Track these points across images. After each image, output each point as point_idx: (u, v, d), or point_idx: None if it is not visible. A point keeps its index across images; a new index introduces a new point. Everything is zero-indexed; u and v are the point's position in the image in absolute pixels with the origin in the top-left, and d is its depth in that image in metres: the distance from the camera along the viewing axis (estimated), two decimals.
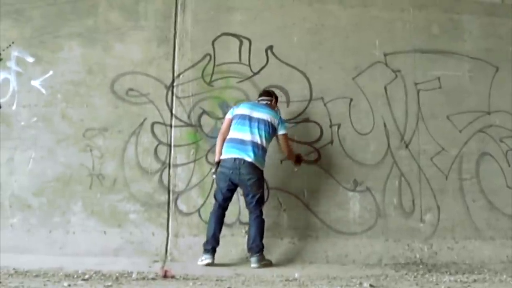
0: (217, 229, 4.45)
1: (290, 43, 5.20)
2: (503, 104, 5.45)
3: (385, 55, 5.32)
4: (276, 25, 5.21)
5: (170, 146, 4.89)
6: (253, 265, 4.42)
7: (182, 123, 4.95)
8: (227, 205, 4.56)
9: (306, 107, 5.12)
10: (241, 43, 5.12)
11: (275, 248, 4.77)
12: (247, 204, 4.55)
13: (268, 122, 4.57)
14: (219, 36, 5.11)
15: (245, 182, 4.46)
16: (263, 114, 4.58)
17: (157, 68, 4.99)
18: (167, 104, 4.94)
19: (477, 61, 5.48)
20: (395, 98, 5.29)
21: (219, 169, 4.54)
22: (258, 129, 4.53)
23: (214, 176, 4.61)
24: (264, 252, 4.50)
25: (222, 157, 4.53)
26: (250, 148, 4.47)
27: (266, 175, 4.90)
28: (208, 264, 4.34)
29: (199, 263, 4.38)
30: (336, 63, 5.23)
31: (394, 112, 5.26)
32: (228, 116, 4.63)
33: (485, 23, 5.57)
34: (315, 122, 5.12)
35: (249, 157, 4.45)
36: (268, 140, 4.60)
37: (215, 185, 4.64)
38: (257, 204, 4.51)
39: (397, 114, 5.27)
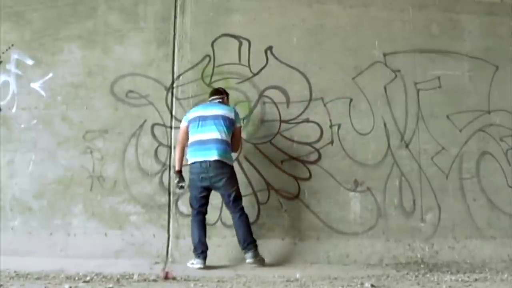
0: (202, 235, 4.40)
1: (290, 43, 5.20)
2: (503, 103, 5.45)
3: (384, 55, 5.32)
4: (276, 26, 5.21)
5: (170, 147, 4.89)
6: (249, 260, 4.37)
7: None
8: (205, 209, 4.51)
9: (306, 108, 5.12)
10: (240, 44, 5.12)
11: (276, 248, 4.77)
12: (226, 205, 4.52)
13: (224, 116, 4.49)
14: (218, 37, 5.11)
15: (217, 184, 4.39)
16: (217, 110, 4.51)
17: (156, 70, 4.99)
18: (167, 106, 4.94)
19: (476, 61, 5.48)
20: (395, 98, 5.29)
21: (189, 176, 4.47)
22: (216, 125, 4.44)
23: (179, 185, 4.50)
24: (265, 253, 4.49)
25: (188, 162, 4.46)
26: (213, 146, 4.39)
27: (266, 175, 4.92)
28: (199, 268, 4.30)
29: (189, 265, 4.36)
30: (336, 63, 5.24)
31: (394, 112, 5.26)
32: (183, 124, 4.58)
33: (484, 22, 5.57)
34: (315, 123, 5.12)
35: (214, 156, 4.36)
36: (228, 134, 4.50)
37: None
38: (235, 202, 4.44)
39: (397, 114, 5.27)
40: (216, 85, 4.95)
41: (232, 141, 4.55)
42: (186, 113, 4.63)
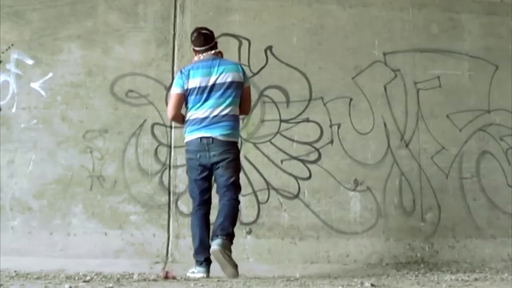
0: (205, 235, 3.74)
1: (290, 43, 5.20)
2: (503, 103, 5.45)
3: (384, 54, 5.32)
4: (275, 26, 5.21)
5: (170, 147, 4.89)
6: (214, 247, 3.54)
7: (182, 124, 4.93)
8: (209, 200, 3.83)
9: (306, 107, 5.12)
10: (240, 43, 5.12)
11: (276, 248, 4.77)
12: (220, 188, 3.78)
13: (234, 82, 3.78)
14: (218, 37, 5.05)
15: (219, 164, 3.72)
16: (228, 75, 3.77)
17: (156, 69, 4.99)
18: (167, 105, 4.93)
19: (476, 60, 5.48)
20: (395, 98, 5.29)
21: (186, 157, 3.84)
22: (225, 97, 3.75)
23: None
24: (265, 253, 4.49)
25: (186, 140, 3.83)
26: (220, 122, 3.73)
27: (266, 175, 4.91)
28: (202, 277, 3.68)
29: (189, 275, 3.79)
30: (336, 63, 5.23)
31: (394, 112, 5.26)
32: (178, 90, 3.82)
33: (484, 22, 5.57)
34: (315, 122, 5.12)
35: (220, 133, 3.71)
36: (238, 103, 3.84)
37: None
38: (233, 188, 3.78)
39: (397, 113, 5.27)
40: None
41: (241, 104, 3.89)
42: (180, 75, 3.86)
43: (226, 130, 3.75)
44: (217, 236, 3.61)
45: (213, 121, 3.73)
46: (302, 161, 5.04)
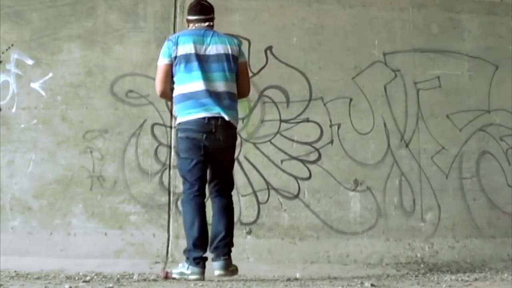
0: (205, 225, 3.26)
1: (290, 43, 5.20)
2: (503, 103, 5.45)
3: (384, 54, 5.32)
4: (275, 26, 5.21)
5: (170, 147, 4.89)
6: (219, 272, 3.28)
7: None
8: (204, 187, 3.38)
9: (306, 107, 5.12)
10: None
11: (276, 248, 4.77)
12: (217, 183, 3.40)
13: (229, 55, 3.39)
14: None
15: (220, 149, 3.33)
16: (220, 47, 3.38)
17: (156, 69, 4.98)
18: (167, 105, 4.93)
19: (476, 60, 5.48)
20: (395, 98, 5.29)
21: (182, 135, 3.34)
22: (221, 70, 3.34)
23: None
24: (265, 253, 4.50)
25: (180, 120, 3.37)
26: (219, 101, 3.30)
27: (266, 175, 4.91)
28: (197, 280, 3.26)
29: (176, 276, 3.37)
30: (336, 63, 5.23)
31: (394, 112, 5.26)
32: (164, 60, 3.38)
33: (484, 22, 5.57)
34: (315, 122, 5.12)
35: (224, 114, 3.30)
36: (235, 79, 3.43)
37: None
38: (229, 183, 3.44)
39: (397, 113, 5.27)
40: None
41: (239, 83, 3.47)
42: (167, 43, 3.45)
43: (231, 110, 3.32)
44: (220, 257, 3.28)
45: (215, 98, 3.28)
46: (302, 161, 5.04)
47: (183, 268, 3.33)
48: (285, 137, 5.05)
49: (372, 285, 3.60)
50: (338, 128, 5.15)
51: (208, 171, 3.38)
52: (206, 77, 3.29)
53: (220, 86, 3.33)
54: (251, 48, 5.11)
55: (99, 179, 4.78)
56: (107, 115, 4.87)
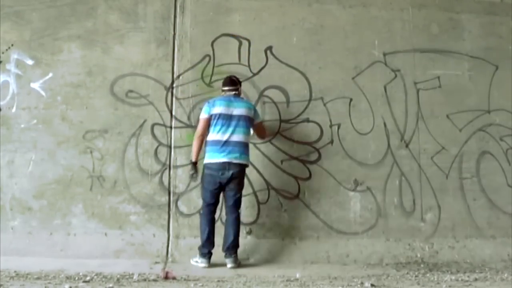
0: (212, 232, 4.49)
1: (290, 43, 5.20)
2: (503, 103, 5.45)
3: (384, 54, 5.32)
4: (275, 26, 5.21)
5: (170, 147, 4.90)
6: (231, 265, 4.43)
7: (182, 124, 4.95)
8: (216, 206, 4.60)
9: (306, 107, 5.12)
10: (240, 43, 5.12)
11: (276, 248, 4.77)
12: (227, 203, 4.58)
13: (248, 117, 4.60)
14: (218, 37, 5.11)
15: (231, 182, 4.51)
16: (242, 110, 4.59)
17: (156, 70, 4.99)
18: (167, 106, 4.94)
19: (476, 60, 5.48)
20: (395, 98, 5.29)
21: (206, 171, 4.54)
22: (240, 127, 4.55)
23: (194, 176, 4.62)
24: (265, 253, 4.50)
25: (207, 161, 4.53)
26: (237, 149, 4.50)
27: (266, 175, 4.93)
28: (204, 267, 4.40)
29: (193, 263, 4.48)
30: (336, 63, 5.24)
31: (394, 112, 5.26)
32: (204, 115, 4.59)
33: (484, 22, 5.57)
34: (315, 122, 5.12)
35: (238, 159, 4.50)
36: (250, 134, 4.68)
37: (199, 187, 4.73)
38: (238, 204, 4.57)
39: (397, 113, 5.27)
40: (216, 85, 4.96)
41: (257, 134, 4.82)
42: (207, 104, 4.60)
43: (244, 155, 4.56)
44: (231, 254, 4.46)
45: (231, 147, 4.50)
46: (302, 161, 5.04)
47: (197, 258, 4.50)
48: (285, 137, 5.06)
49: (372, 285, 3.61)
50: (338, 128, 5.15)
51: (223, 195, 4.62)
52: (230, 130, 4.53)
53: (239, 137, 4.53)
54: (251, 48, 5.12)
55: (99, 179, 4.78)
56: (107, 115, 4.88)
